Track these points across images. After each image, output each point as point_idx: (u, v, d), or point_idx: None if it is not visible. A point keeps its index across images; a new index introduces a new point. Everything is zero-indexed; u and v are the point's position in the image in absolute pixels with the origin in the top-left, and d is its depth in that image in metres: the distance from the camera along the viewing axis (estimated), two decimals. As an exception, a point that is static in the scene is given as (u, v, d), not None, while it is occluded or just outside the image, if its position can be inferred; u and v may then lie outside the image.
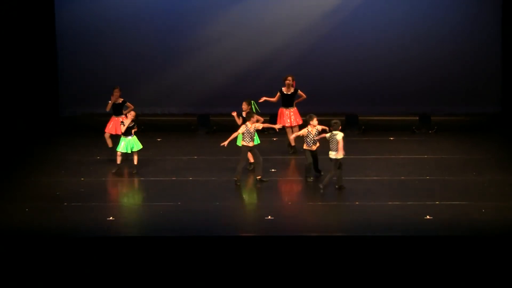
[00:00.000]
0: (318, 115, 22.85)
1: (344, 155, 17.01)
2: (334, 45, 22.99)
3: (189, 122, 22.82)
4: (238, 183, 17.48)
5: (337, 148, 16.96)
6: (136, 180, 17.99)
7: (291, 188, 17.46)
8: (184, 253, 14.02)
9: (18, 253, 13.97)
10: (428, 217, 15.21)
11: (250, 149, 17.57)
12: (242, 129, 17.52)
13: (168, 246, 14.25)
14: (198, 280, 13.62)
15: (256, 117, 17.74)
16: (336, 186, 17.13)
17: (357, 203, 16.31)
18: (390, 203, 16.23)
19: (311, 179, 17.66)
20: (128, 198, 17.45)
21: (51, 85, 23.06)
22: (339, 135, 16.97)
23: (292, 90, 19.81)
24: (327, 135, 17.28)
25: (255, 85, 22.75)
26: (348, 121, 22.21)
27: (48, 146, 20.27)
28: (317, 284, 13.52)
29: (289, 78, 19.74)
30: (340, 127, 17.11)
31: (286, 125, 19.87)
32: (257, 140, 17.92)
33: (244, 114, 18.11)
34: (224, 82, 22.82)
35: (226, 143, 17.50)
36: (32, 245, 14.22)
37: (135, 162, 18.07)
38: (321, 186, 16.91)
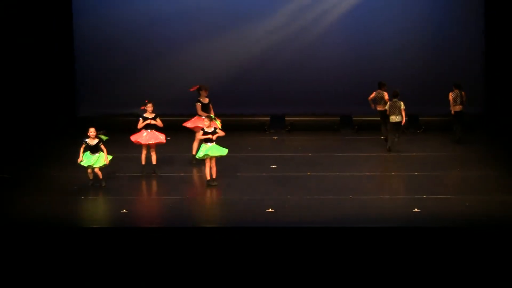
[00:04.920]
0: (315, 115, 22.91)
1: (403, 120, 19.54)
2: (329, 50, 22.91)
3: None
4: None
5: (399, 112, 19.24)
6: (147, 175, 17.83)
7: (290, 182, 17.35)
8: (193, 242, 14.00)
9: (38, 243, 13.96)
10: (416, 209, 15.22)
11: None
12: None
13: (176, 236, 14.23)
14: (205, 267, 13.62)
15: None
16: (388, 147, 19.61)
17: (351, 196, 16.32)
18: (381, 196, 16.31)
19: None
20: (139, 192, 17.38)
21: (69, 87, 22.96)
22: (402, 104, 19.40)
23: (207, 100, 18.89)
24: (388, 105, 19.62)
25: (255, 85, 22.78)
26: (343, 121, 22.21)
27: (66, 143, 20.18)
28: (314, 271, 13.52)
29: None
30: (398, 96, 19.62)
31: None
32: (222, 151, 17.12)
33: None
34: (227, 86, 22.65)
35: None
36: (52, 234, 14.19)
37: (100, 176, 16.92)
38: (388, 147, 19.66)
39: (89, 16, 22.85)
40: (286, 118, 22.91)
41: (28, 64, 21.80)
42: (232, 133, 21.32)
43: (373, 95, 20.45)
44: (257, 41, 22.95)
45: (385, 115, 20.04)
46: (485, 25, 22.58)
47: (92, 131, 16.79)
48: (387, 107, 19.74)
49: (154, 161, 17.87)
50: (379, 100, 20.35)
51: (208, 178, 17.05)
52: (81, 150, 16.80)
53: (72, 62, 22.96)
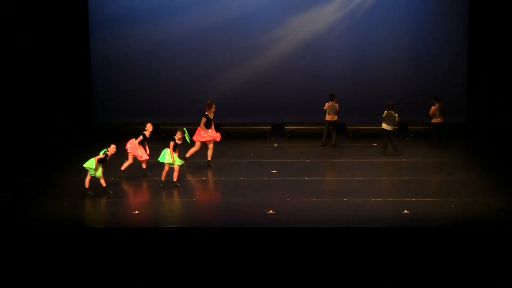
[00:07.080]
0: (313, 124, 22.83)
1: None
2: (326, 65, 22.85)
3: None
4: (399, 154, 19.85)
5: (394, 123, 19.78)
6: (157, 180, 17.61)
7: (290, 186, 17.39)
8: (197, 242, 14.08)
9: (57, 242, 14.04)
10: (405, 211, 15.33)
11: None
12: None
13: (183, 235, 14.31)
14: (208, 264, 13.67)
15: None
16: (398, 153, 19.85)
17: (345, 199, 16.40)
18: (373, 199, 16.33)
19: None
20: (150, 195, 17.30)
21: (86, 98, 22.96)
22: (397, 116, 19.91)
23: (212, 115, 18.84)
24: (384, 114, 19.95)
25: (258, 97, 22.77)
26: (338, 130, 22.18)
27: (82, 150, 20.09)
28: (311, 268, 13.57)
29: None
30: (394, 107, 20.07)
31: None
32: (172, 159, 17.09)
33: (178, 141, 17.15)
34: (232, 97, 22.61)
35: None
36: (69, 234, 14.29)
37: (104, 184, 16.76)
38: (384, 151, 20.01)
39: (105, 32, 22.74)
40: (286, 127, 22.83)
41: (50, 79, 21.74)
42: (236, 141, 21.48)
43: (326, 106, 20.97)
44: (260, 57, 23.01)
45: (333, 124, 20.86)
46: (469, 42, 22.58)
47: (113, 147, 16.70)
48: (384, 118, 19.96)
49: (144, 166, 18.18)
50: (331, 110, 20.82)
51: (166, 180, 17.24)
52: (99, 163, 16.63)
53: (89, 76, 22.96)
